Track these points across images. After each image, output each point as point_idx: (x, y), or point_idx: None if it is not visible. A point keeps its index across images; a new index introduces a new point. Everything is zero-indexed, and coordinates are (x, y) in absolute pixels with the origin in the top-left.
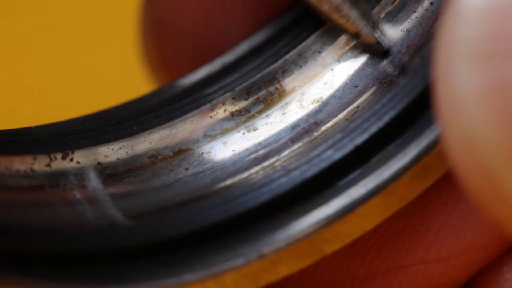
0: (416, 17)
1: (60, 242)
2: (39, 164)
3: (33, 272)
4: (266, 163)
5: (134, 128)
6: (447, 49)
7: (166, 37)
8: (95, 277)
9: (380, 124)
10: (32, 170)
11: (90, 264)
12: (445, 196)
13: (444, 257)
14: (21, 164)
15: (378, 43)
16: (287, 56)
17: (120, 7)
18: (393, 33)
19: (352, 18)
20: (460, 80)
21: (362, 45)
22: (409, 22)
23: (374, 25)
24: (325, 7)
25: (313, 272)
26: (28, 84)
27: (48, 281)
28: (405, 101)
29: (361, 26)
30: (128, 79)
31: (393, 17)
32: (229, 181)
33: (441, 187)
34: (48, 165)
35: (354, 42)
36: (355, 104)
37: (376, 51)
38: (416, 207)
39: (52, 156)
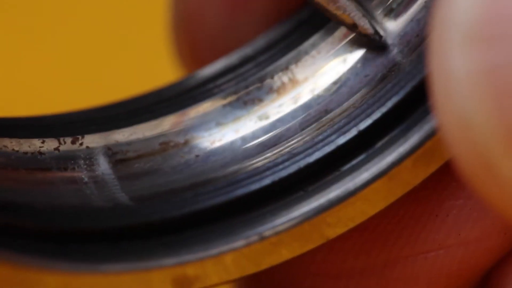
0: (426, 6)
1: (60, 219)
2: (48, 147)
3: (32, 248)
4: (275, 150)
5: (146, 115)
6: (441, 32)
7: (194, 29)
8: (93, 254)
9: (383, 109)
10: (40, 152)
11: (89, 242)
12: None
13: (464, 242)
14: (29, 147)
15: (376, 33)
16: (300, 47)
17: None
18: (402, 22)
19: (348, 9)
20: (454, 64)
21: (360, 37)
22: (418, 11)
23: (371, 17)
24: None
25: (334, 261)
26: (52, 73)
27: (45, 257)
28: (409, 87)
29: (358, 17)
30: (157, 71)
31: (403, 6)
32: (236, 167)
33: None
34: (57, 148)
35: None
36: (363, 92)
37: (374, 42)
38: (434, 191)
39: (61, 140)
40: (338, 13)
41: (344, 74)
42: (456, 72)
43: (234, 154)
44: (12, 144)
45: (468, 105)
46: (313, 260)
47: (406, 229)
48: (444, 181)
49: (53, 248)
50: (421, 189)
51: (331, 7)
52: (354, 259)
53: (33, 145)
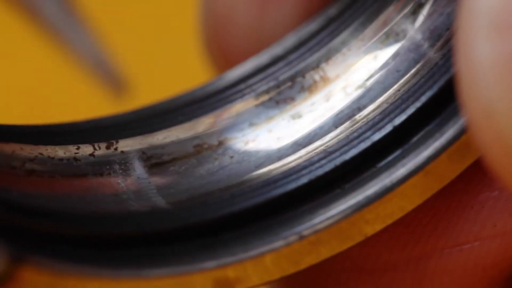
0: (455, 0)
1: (98, 225)
2: (83, 153)
3: (71, 255)
4: (309, 148)
5: (179, 118)
6: (466, 21)
7: (224, 29)
8: (134, 259)
9: (418, 104)
10: (75, 159)
11: (128, 247)
12: None
13: (499, 234)
14: (64, 153)
15: None
16: (330, 44)
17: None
18: (432, 16)
19: None
20: (479, 52)
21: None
22: (448, 5)
23: None
24: None
25: (369, 255)
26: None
27: (85, 264)
28: (442, 81)
29: None
30: (188, 72)
31: (433, 0)
32: (272, 166)
33: None
34: (92, 154)
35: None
36: (395, 87)
37: None
38: (469, 183)
39: (96, 146)
40: None
41: (375, 70)
42: (481, 60)
43: (269, 154)
44: (48, 151)
45: (492, 93)
46: (348, 255)
47: (441, 221)
48: (479, 172)
49: (93, 254)
50: (456, 181)
51: None
52: (389, 253)
53: (69, 151)
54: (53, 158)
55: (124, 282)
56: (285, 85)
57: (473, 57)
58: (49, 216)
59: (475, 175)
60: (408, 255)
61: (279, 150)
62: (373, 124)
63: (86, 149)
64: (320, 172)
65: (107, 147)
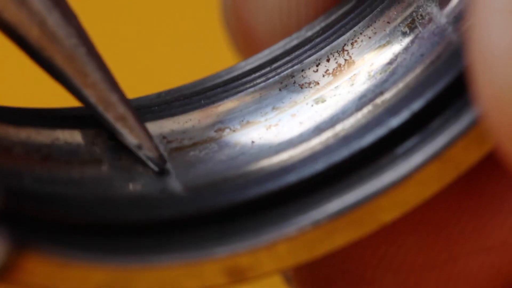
0: None
1: (111, 212)
2: (102, 137)
3: (77, 243)
4: (330, 134)
5: (202, 101)
6: (481, 4)
7: (247, 10)
8: (142, 247)
9: (436, 90)
10: (93, 143)
11: (138, 235)
12: None
13: None
14: (82, 138)
15: (159, 157)
16: (356, 28)
17: None
18: (459, 0)
19: (135, 129)
20: (495, 35)
21: (143, 157)
22: None
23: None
24: (110, 115)
25: (396, 255)
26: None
27: (91, 252)
28: (461, 67)
29: (144, 138)
30: (213, 58)
31: None
32: (292, 152)
33: None
34: (111, 138)
35: (421, 12)
36: (418, 72)
37: (156, 165)
38: (497, 186)
39: None
40: (126, 131)
41: (400, 54)
42: (497, 45)
43: (290, 138)
44: (65, 136)
45: (506, 78)
46: (375, 252)
47: (469, 222)
48: (506, 176)
49: (99, 242)
50: (484, 183)
51: (119, 125)
52: (415, 253)
53: (86, 136)
54: (70, 143)
55: (132, 271)
56: (309, 69)
57: (488, 42)
58: (58, 202)
59: (503, 179)
60: (435, 257)
61: (301, 134)
62: (392, 109)
63: (104, 134)
64: (336, 158)
65: None
